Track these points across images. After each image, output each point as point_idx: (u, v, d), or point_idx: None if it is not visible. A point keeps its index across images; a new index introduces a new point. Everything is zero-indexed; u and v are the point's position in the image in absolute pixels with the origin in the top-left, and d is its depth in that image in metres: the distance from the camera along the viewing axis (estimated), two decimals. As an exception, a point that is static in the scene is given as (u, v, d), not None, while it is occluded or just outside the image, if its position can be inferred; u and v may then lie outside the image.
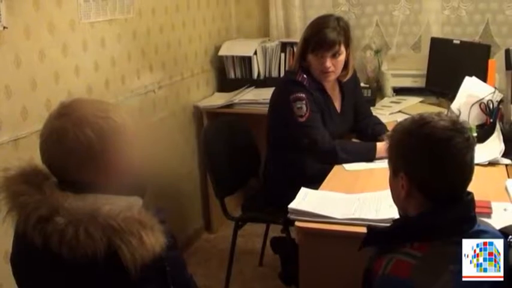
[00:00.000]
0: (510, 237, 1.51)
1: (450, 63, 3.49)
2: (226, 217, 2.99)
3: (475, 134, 2.45)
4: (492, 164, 2.50)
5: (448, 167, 1.47)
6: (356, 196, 2.20)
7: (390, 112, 3.44)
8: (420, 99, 3.68)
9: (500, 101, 2.77)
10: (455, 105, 2.87)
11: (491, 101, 2.76)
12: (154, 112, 3.30)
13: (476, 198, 1.53)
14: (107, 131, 1.36)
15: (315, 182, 2.40)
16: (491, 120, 2.73)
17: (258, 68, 3.91)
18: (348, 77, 2.88)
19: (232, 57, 3.93)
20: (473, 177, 1.52)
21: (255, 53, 3.87)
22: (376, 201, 2.10)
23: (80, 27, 2.65)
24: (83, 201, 1.33)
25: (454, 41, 3.56)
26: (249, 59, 3.89)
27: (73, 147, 1.33)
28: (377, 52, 3.92)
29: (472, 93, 2.85)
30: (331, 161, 2.64)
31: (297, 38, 3.49)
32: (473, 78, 2.96)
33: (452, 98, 2.99)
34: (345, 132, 2.95)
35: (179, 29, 3.55)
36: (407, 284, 1.41)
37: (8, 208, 1.36)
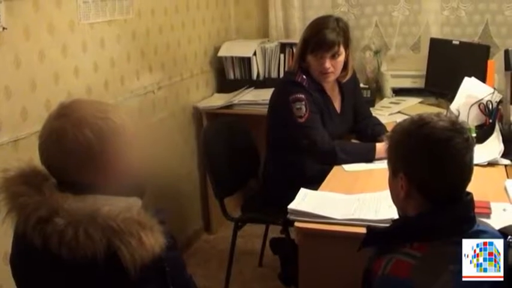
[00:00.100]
0: (509, 237, 1.51)
1: (449, 63, 3.49)
2: (225, 218, 2.99)
3: (474, 135, 2.45)
4: (491, 164, 2.50)
5: (447, 168, 1.47)
6: (355, 197, 2.20)
7: (389, 113, 3.44)
8: (419, 99, 3.68)
9: (500, 102, 2.78)
10: (454, 106, 2.87)
11: (491, 101, 2.76)
12: (154, 113, 3.30)
13: (475, 198, 1.53)
14: (106, 131, 1.36)
15: (314, 183, 2.41)
16: (491, 120, 2.73)
17: (257, 68, 3.91)
18: (348, 77, 2.88)
19: (232, 58, 3.93)
20: (473, 178, 1.52)
21: (255, 53, 3.87)
22: (376, 202, 2.10)
23: (79, 28, 2.65)
24: (82, 202, 1.33)
25: (454, 42, 3.56)
26: (249, 59, 3.89)
27: (72, 148, 1.33)
28: (376, 53, 3.92)
29: (471, 94, 2.85)
30: (331, 162, 2.64)
31: (296, 38, 3.50)
32: (473, 78, 2.97)
33: (451, 99, 2.99)
34: (344, 132, 2.95)
35: (178, 29, 3.55)
36: (406, 284, 1.42)
37: (8, 209, 1.36)
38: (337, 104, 2.91)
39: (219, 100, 3.76)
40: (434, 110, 3.29)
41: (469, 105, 2.80)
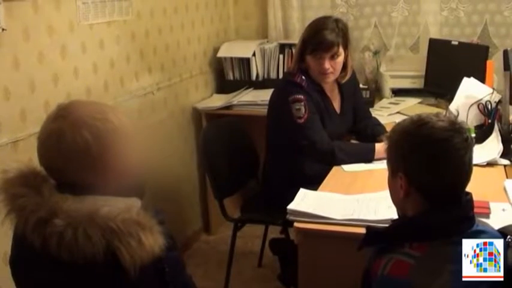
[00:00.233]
0: (509, 237, 1.51)
1: (448, 64, 3.49)
2: (225, 218, 2.99)
3: (473, 135, 2.45)
4: (490, 164, 2.51)
5: (446, 168, 1.47)
6: (355, 197, 2.21)
7: (389, 113, 3.44)
8: (419, 100, 3.68)
9: (499, 102, 2.77)
10: (453, 106, 2.87)
11: (490, 101, 2.77)
12: (153, 113, 3.30)
13: (474, 198, 1.53)
14: (104, 132, 1.36)
15: (313, 183, 2.41)
16: (490, 121, 2.73)
17: (256, 69, 3.91)
18: (347, 78, 2.89)
19: (231, 58, 3.94)
20: (472, 178, 1.52)
21: (254, 54, 3.87)
22: (375, 202, 2.10)
23: (78, 29, 2.65)
24: (81, 203, 1.32)
25: (453, 42, 3.56)
26: (248, 60, 3.89)
27: (70, 149, 1.33)
28: (375, 53, 3.92)
29: (470, 94, 2.85)
30: (330, 162, 2.65)
31: (295, 39, 3.50)
32: (472, 79, 2.97)
33: (450, 99, 2.99)
34: (344, 133, 2.96)
35: (178, 30, 3.55)
36: (406, 284, 1.42)
37: (7, 210, 1.36)
38: (336, 105, 2.91)
39: (218, 101, 3.76)
40: (434, 110, 3.29)
41: (468, 106, 2.80)
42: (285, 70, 3.80)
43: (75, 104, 1.43)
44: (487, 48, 3.37)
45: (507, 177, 2.38)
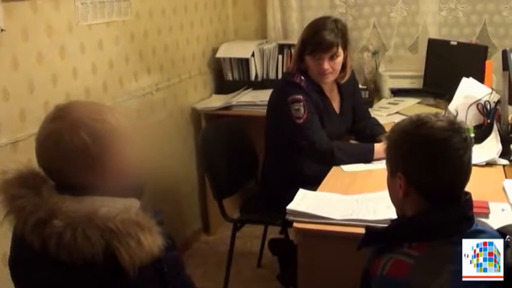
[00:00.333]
0: (508, 237, 1.51)
1: (447, 64, 3.49)
2: (224, 219, 2.99)
3: (472, 135, 2.45)
4: (490, 164, 2.51)
5: (445, 167, 1.47)
6: (354, 197, 2.21)
7: (388, 113, 3.44)
8: (418, 100, 3.68)
9: (498, 102, 2.77)
10: (452, 106, 2.87)
11: (489, 101, 2.77)
12: (152, 114, 3.30)
13: (474, 198, 1.53)
14: (102, 133, 1.36)
15: (313, 183, 2.41)
16: (489, 121, 2.74)
17: (255, 69, 3.91)
18: (346, 78, 2.89)
19: (230, 59, 3.93)
20: (471, 178, 1.52)
21: (253, 54, 3.87)
22: (374, 202, 2.10)
23: (77, 30, 2.65)
24: (80, 204, 1.32)
25: (451, 42, 3.57)
26: (247, 60, 3.89)
27: (68, 150, 1.33)
28: (374, 53, 3.92)
29: (469, 94, 2.85)
30: (329, 162, 2.65)
31: (294, 39, 3.50)
32: (471, 79, 2.97)
33: (449, 99, 3.00)
34: (343, 133, 2.96)
35: (177, 31, 3.55)
36: (405, 284, 1.42)
37: (6, 211, 1.36)
38: (336, 105, 2.91)
39: (217, 101, 3.76)
40: (433, 110, 3.29)
41: (467, 106, 2.80)
42: (284, 70, 3.80)
43: (73, 104, 1.43)
44: (486, 48, 3.37)
45: (506, 177, 2.38)
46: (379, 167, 2.32)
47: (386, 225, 1.72)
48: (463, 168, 1.49)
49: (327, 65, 2.73)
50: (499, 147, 2.56)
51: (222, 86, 4.01)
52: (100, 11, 2.79)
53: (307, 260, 2.08)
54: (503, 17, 3.78)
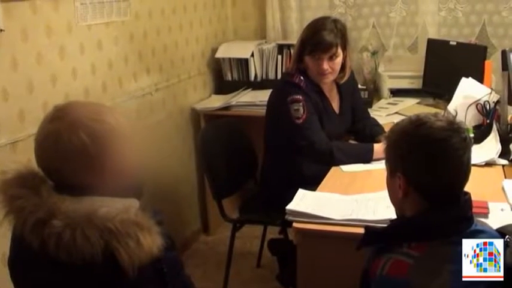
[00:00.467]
0: (507, 236, 1.51)
1: (447, 64, 3.49)
2: (223, 219, 2.99)
3: (471, 135, 2.45)
4: (489, 164, 2.51)
5: (445, 167, 1.47)
6: (353, 197, 2.21)
7: (387, 113, 3.44)
8: (417, 100, 3.68)
9: (497, 102, 2.78)
10: (451, 107, 2.87)
11: (488, 101, 2.77)
12: (152, 114, 3.30)
13: (473, 198, 1.54)
14: (101, 133, 1.36)
15: (312, 184, 2.41)
16: (488, 121, 2.74)
17: (255, 70, 3.91)
18: (345, 78, 2.89)
19: (229, 59, 3.94)
20: (470, 178, 1.52)
21: (252, 55, 3.87)
22: (374, 202, 2.10)
23: (76, 30, 2.65)
24: (79, 204, 1.32)
25: (451, 42, 3.57)
26: (246, 61, 3.89)
27: (67, 150, 1.33)
28: (374, 54, 3.92)
29: (468, 94, 2.85)
30: (329, 162, 2.65)
31: (293, 40, 3.50)
32: (470, 79, 2.97)
33: (449, 99, 3.00)
34: (343, 133, 2.96)
35: (176, 31, 3.55)
36: (404, 284, 1.42)
37: (5, 211, 1.36)
38: (335, 105, 2.91)
39: (216, 101, 3.76)
40: (432, 110, 3.29)
41: (467, 106, 2.80)
42: (284, 71, 3.80)
43: (72, 105, 1.43)
44: (485, 48, 3.37)
45: (505, 177, 2.38)
46: (379, 167, 2.32)
47: (385, 225, 1.71)
48: (462, 168, 1.49)
49: (326, 65, 2.73)
50: (498, 147, 2.56)
51: (222, 86, 4.01)
52: (99, 11, 2.79)
53: (307, 260, 2.08)
54: (502, 17, 3.78)
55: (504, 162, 2.53)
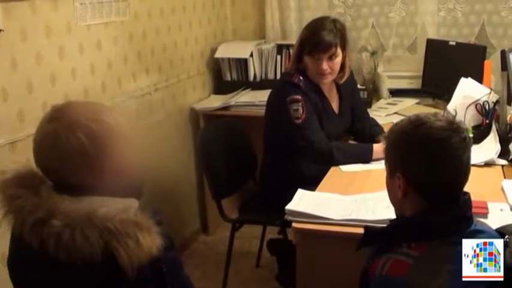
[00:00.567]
0: (507, 237, 1.51)
1: (446, 64, 3.50)
2: (223, 219, 2.99)
3: (471, 135, 2.45)
4: (488, 164, 2.51)
5: (444, 167, 1.47)
6: (353, 197, 2.21)
7: (386, 114, 3.45)
8: (416, 100, 3.68)
9: (496, 102, 2.78)
10: (451, 107, 2.87)
11: (487, 102, 2.77)
12: (151, 114, 3.30)
13: (472, 198, 1.54)
14: (99, 133, 1.36)
15: (311, 184, 2.41)
16: (487, 121, 2.74)
17: (254, 70, 3.91)
18: (345, 78, 2.89)
19: (228, 59, 3.93)
20: (470, 178, 1.52)
21: (251, 55, 3.88)
22: (373, 202, 2.10)
23: (76, 30, 2.64)
24: (79, 204, 1.32)
25: (450, 43, 3.57)
26: (245, 61, 3.89)
27: (66, 151, 1.33)
28: (373, 54, 3.93)
29: (468, 95, 2.86)
30: (328, 162, 2.65)
31: (293, 40, 3.50)
32: (469, 79, 2.97)
33: (448, 99, 3.00)
34: (342, 133, 2.96)
35: (175, 31, 3.55)
36: (404, 284, 1.42)
37: (5, 211, 1.36)
38: (335, 105, 2.91)
39: (215, 101, 3.76)
40: (431, 110, 3.29)
41: (466, 106, 2.80)
42: (283, 71, 3.80)
43: (70, 105, 1.42)
44: (484, 48, 3.37)
45: (505, 177, 2.38)
46: (378, 167, 2.33)
47: (385, 225, 1.71)
48: (462, 168, 1.49)
49: (325, 65, 2.73)
50: (497, 148, 2.56)
51: (221, 86, 4.01)
52: (98, 11, 2.79)
53: (306, 260, 2.08)
54: (501, 17, 3.78)
55: (503, 162, 2.53)
